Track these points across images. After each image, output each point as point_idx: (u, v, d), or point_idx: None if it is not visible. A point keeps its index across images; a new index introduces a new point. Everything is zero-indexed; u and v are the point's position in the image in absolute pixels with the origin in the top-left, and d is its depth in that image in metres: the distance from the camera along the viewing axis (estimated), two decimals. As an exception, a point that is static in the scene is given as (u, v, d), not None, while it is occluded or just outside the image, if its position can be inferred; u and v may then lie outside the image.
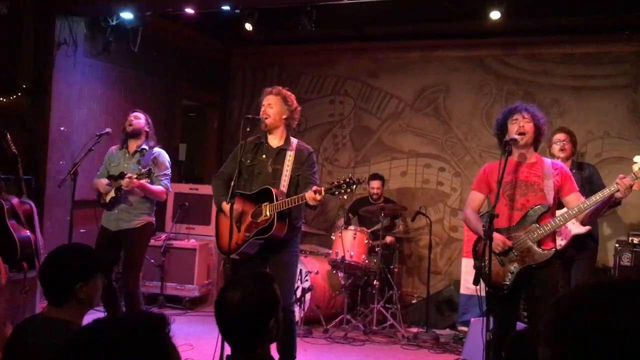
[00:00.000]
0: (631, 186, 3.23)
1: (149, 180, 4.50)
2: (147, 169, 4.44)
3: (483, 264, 3.24)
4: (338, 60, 7.39)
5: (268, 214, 3.59)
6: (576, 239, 4.43)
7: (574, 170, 4.59)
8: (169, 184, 4.74)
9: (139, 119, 4.75)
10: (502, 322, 3.42)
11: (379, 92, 7.17)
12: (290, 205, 3.53)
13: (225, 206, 3.65)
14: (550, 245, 3.42)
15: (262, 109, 3.81)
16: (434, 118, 6.91)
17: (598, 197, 3.29)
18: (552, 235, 3.46)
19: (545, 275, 3.38)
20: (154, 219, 4.76)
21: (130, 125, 4.71)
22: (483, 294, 3.26)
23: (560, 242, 4.25)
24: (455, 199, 6.77)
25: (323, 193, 3.41)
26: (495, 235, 3.32)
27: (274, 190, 3.63)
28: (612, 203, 3.84)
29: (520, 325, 3.73)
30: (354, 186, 3.41)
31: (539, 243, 3.38)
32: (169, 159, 4.80)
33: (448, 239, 6.76)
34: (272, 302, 1.99)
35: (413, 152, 6.98)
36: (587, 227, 4.40)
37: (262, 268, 3.65)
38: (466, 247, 5.77)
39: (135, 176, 4.42)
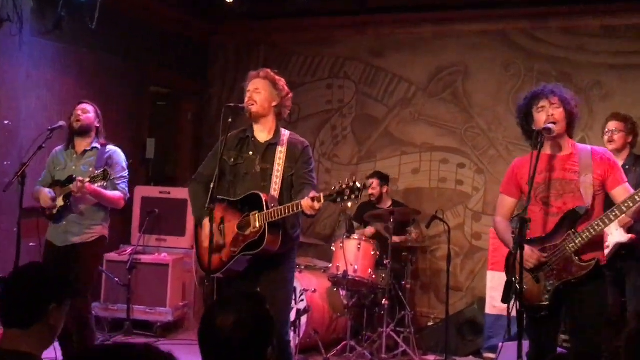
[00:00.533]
0: None
1: (104, 184, 4.46)
2: (102, 169, 4.41)
3: (514, 279, 3.21)
4: (336, 37, 7.38)
5: (258, 225, 3.56)
6: (623, 248, 4.43)
7: (627, 166, 4.56)
8: (127, 189, 4.74)
9: (87, 112, 4.73)
10: (539, 348, 3.42)
11: (386, 74, 7.17)
12: (283, 215, 3.51)
13: (207, 223, 3.59)
14: (590, 256, 3.38)
15: (248, 94, 3.79)
16: (451, 104, 6.91)
17: None
18: (594, 244, 3.41)
19: (589, 292, 3.36)
20: (108, 232, 4.75)
21: (78, 121, 4.69)
22: (514, 313, 3.22)
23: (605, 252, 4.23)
24: (477, 200, 6.76)
25: (322, 200, 3.38)
26: (526, 248, 3.28)
27: (263, 196, 3.60)
28: None
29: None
30: (359, 192, 3.35)
31: (578, 253, 3.35)
32: (125, 159, 4.80)
33: (470, 248, 6.76)
34: (270, 325, 2.00)
35: (427, 145, 6.97)
36: (630, 235, 4.40)
37: (251, 287, 3.62)
38: (492, 258, 5.76)
39: (87, 179, 4.38)
